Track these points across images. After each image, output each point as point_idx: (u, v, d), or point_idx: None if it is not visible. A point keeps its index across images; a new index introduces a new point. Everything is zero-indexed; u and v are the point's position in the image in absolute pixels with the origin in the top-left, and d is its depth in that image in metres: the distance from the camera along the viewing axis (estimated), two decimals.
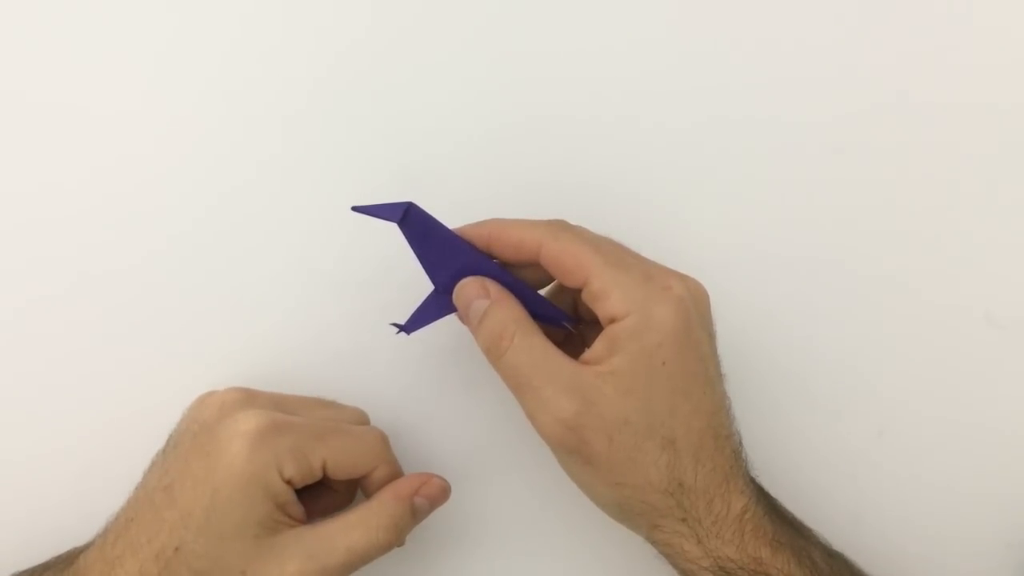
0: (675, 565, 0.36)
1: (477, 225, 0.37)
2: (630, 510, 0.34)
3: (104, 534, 0.35)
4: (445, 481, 0.38)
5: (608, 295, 0.34)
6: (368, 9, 0.46)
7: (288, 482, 0.34)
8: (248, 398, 0.37)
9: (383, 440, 0.38)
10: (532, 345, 0.34)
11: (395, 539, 0.35)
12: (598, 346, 0.34)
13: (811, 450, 0.44)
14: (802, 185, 0.46)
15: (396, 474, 0.38)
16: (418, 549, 0.42)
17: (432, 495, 0.37)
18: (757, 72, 0.46)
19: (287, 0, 0.45)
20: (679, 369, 0.34)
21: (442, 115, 0.45)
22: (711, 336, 0.36)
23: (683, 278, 0.35)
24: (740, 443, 0.36)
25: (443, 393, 0.43)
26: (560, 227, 0.36)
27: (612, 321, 0.34)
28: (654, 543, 0.36)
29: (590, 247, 0.35)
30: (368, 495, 0.37)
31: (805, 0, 0.47)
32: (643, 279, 0.34)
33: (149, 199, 0.43)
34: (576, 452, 0.34)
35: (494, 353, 0.35)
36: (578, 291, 0.36)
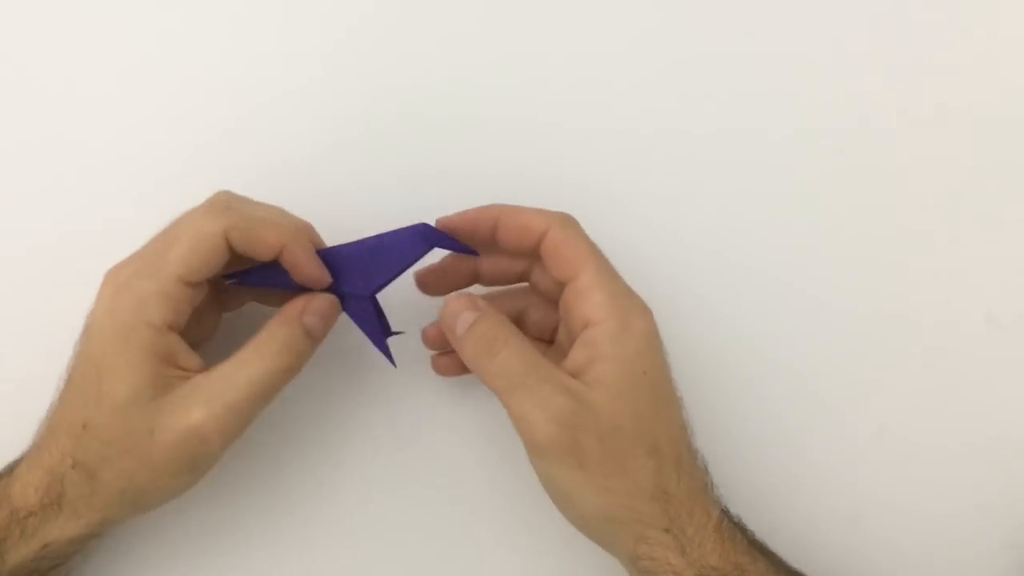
0: None
1: (481, 208, 0.38)
2: (617, 520, 0.34)
3: (37, 429, 0.36)
4: (331, 297, 0.37)
5: (593, 295, 0.35)
6: (362, 12, 0.46)
7: (168, 328, 0.34)
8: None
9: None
10: (525, 349, 0.35)
11: (294, 362, 0.36)
12: (577, 354, 0.35)
13: (811, 450, 0.44)
14: (802, 185, 0.46)
15: (306, 252, 0.37)
16: (418, 548, 0.42)
17: (320, 310, 0.37)
18: (757, 72, 0.47)
19: None
20: (658, 379, 0.35)
21: (425, 117, 0.45)
22: (666, 362, 0.37)
23: (645, 308, 0.37)
24: (705, 461, 0.37)
25: (443, 391, 0.43)
26: (569, 219, 0.37)
27: (588, 325, 0.35)
28: (637, 559, 0.35)
29: (591, 247, 0.36)
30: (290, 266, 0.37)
31: (804, 2, 0.47)
32: (626, 291, 0.36)
33: (146, 196, 0.43)
34: (568, 454, 0.34)
35: (486, 356, 0.35)
36: (558, 289, 0.37)
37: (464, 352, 0.36)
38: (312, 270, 0.37)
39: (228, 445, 0.35)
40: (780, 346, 0.44)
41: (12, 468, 0.36)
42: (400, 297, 0.40)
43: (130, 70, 0.45)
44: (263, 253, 0.36)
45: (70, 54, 0.45)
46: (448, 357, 0.41)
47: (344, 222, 0.41)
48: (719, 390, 0.44)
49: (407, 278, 0.39)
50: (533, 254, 0.37)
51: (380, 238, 0.38)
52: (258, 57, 0.46)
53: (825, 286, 0.45)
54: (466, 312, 0.36)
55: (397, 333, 0.40)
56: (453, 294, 0.37)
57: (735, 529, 0.35)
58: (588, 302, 0.35)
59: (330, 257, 0.38)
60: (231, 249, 0.36)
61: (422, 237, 0.37)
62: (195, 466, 0.35)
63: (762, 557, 0.35)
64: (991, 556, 0.43)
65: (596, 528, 0.36)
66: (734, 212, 0.45)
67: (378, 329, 0.38)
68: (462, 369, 0.40)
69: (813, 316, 0.45)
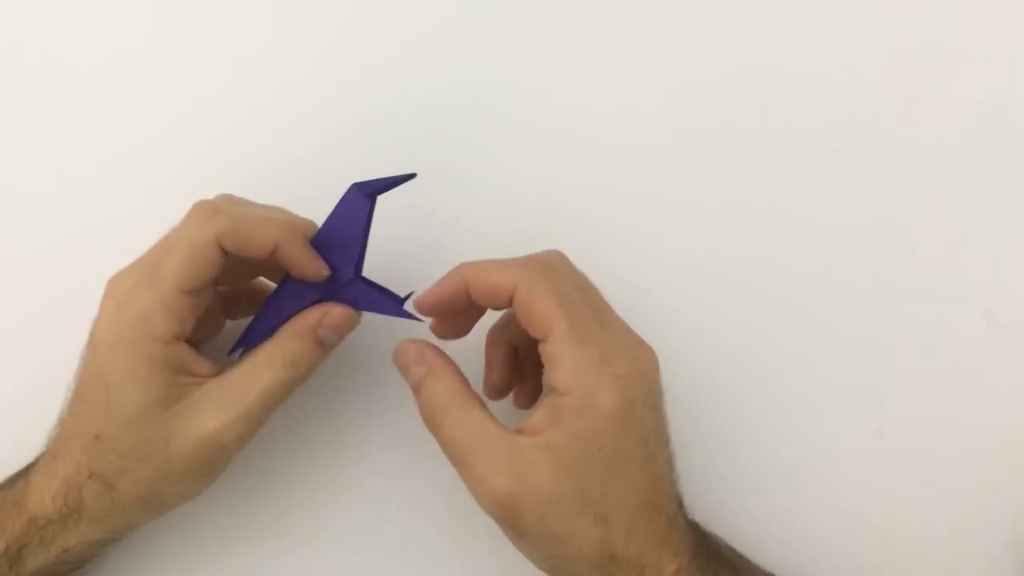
0: None
1: (449, 276, 0.36)
2: (563, 574, 0.35)
3: (47, 440, 0.37)
4: (348, 310, 0.37)
5: (559, 366, 0.33)
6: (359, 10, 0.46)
7: (174, 339, 0.35)
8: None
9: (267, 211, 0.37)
10: (465, 420, 0.34)
11: (305, 372, 0.36)
12: (539, 415, 0.34)
13: (811, 450, 0.44)
14: (802, 184, 0.46)
15: (300, 247, 0.36)
16: (419, 547, 0.42)
17: (336, 324, 0.37)
18: (756, 73, 0.47)
19: None
20: (616, 453, 0.33)
21: (424, 114, 0.46)
22: (655, 407, 0.35)
23: (636, 357, 0.35)
24: (679, 504, 0.36)
25: None
26: (538, 272, 0.35)
27: (555, 391, 0.34)
28: None
29: (560, 307, 0.34)
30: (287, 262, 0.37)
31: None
32: (598, 361, 0.34)
33: (141, 192, 0.43)
34: (510, 527, 0.34)
35: (431, 426, 0.35)
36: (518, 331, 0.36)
37: (420, 415, 0.36)
38: (308, 264, 0.36)
39: (241, 449, 0.36)
40: (780, 346, 0.44)
41: (26, 475, 0.36)
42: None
43: (129, 66, 0.46)
44: (257, 251, 0.36)
45: (70, 51, 0.45)
46: (447, 322, 0.39)
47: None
48: (719, 390, 0.44)
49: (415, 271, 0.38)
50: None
51: (328, 223, 0.37)
52: (258, 53, 0.46)
53: (825, 286, 0.45)
54: (413, 367, 0.36)
55: (409, 296, 0.38)
56: (405, 341, 0.36)
57: (696, 574, 0.34)
58: (556, 371, 0.34)
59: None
60: (225, 253, 0.36)
61: (360, 198, 0.37)
62: (212, 470, 0.36)
63: None
64: (992, 556, 0.43)
65: None
66: (733, 212, 0.45)
67: (387, 303, 0.38)
68: (463, 330, 0.39)
69: (813, 316, 0.45)
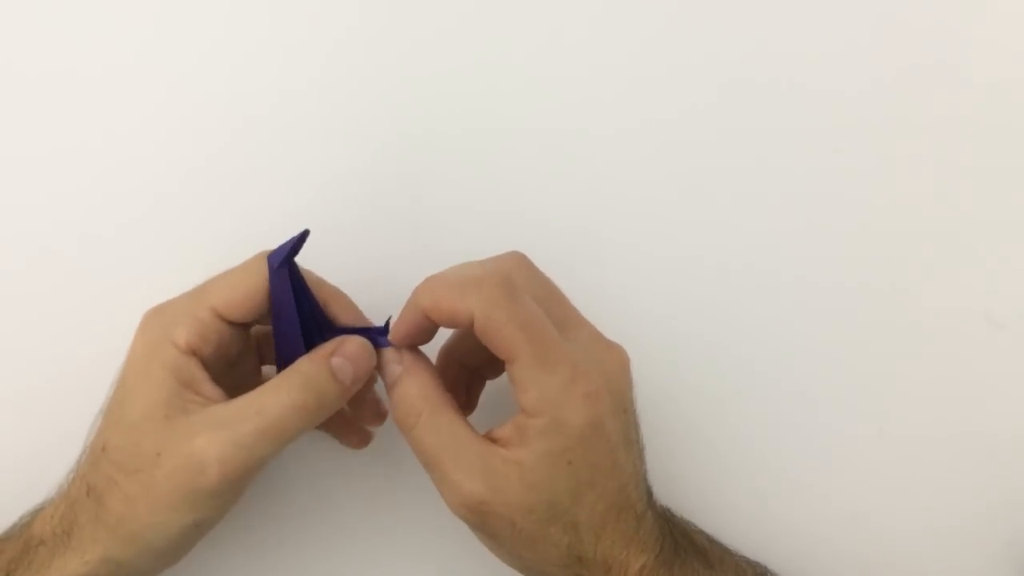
0: None
1: (408, 306, 0.35)
2: (533, 573, 0.35)
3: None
4: (366, 341, 0.36)
5: (526, 390, 0.33)
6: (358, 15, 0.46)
7: (191, 352, 0.34)
8: None
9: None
10: (439, 424, 0.34)
11: (311, 401, 0.33)
12: (509, 429, 0.34)
13: (811, 450, 0.44)
14: (800, 184, 0.46)
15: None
16: (419, 547, 0.42)
17: (351, 353, 0.35)
18: (755, 71, 0.46)
19: None
20: (585, 465, 0.33)
21: (425, 126, 0.45)
22: (625, 411, 0.35)
23: (604, 367, 0.34)
24: (647, 500, 0.36)
25: None
26: (494, 294, 0.33)
27: (522, 411, 0.33)
28: None
29: (522, 332, 0.33)
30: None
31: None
32: (565, 382, 0.33)
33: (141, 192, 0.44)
34: (480, 530, 0.34)
35: (402, 427, 0.35)
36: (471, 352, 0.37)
37: (392, 416, 0.35)
38: (354, 320, 0.37)
39: (229, 482, 0.32)
40: (780, 346, 0.44)
41: (44, 505, 0.36)
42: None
43: (130, 72, 0.46)
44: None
45: (69, 59, 0.45)
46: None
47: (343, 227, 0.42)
48: (719, 390, 0.44)
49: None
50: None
51: (272, 305, 0.35)
52: (262, 63, 0.46)
53: (825, 286, 0.45)
54: (390, 365, 0.35)
55: (388, 322, 0.37)
56: (388, 349, 0.36)
57: (659, 569, 0.35)
58: (523, 395, 0.33)
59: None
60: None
61: (277, 271, 0.34)
62: (192, 502, 0.32)
63: None
64: (991, 555, 0.43)
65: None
66: (733, 211, 0.45)
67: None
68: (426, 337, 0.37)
69: (813, 316, 0.45)
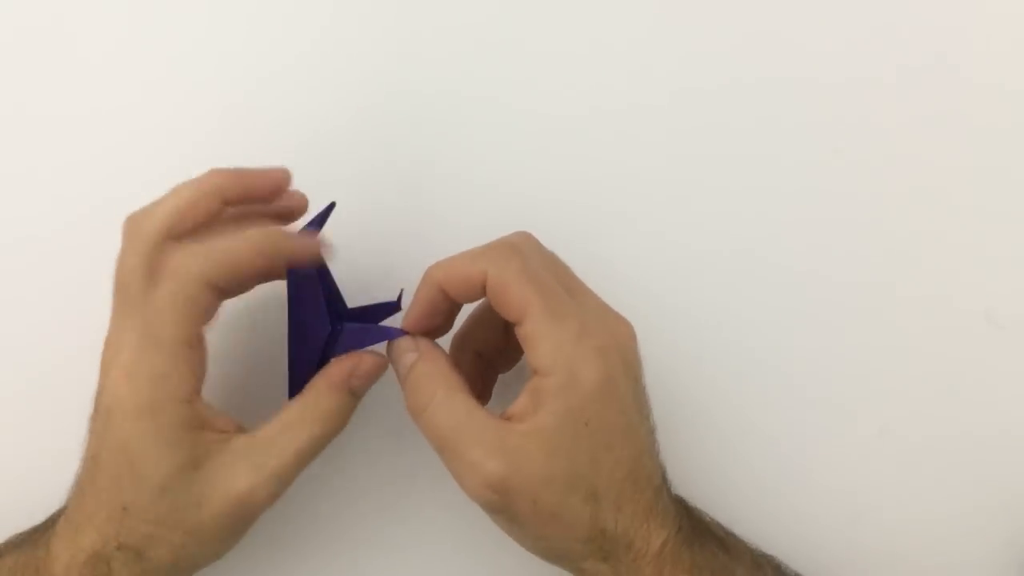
0: None
1: (423, 284, 0.36)
2: (555, 555, 0.35)
3: (64, 506, 0.35)
4: (379, 355, 0.36)
5: (538, 345, 0.33)
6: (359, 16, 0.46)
7: (195, 392, 0.33)
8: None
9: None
10: (454, 403, 0.34)
11: (339, 426, 0.35)
12: (522, 400, 0.34)
13: (811, 450, 0.44)
14: (801, 184, 0.46)
15: (285, 247, 0.35)
16: (421, 547, 0.42)
17: (367, 373, 0.36)
18: (754, 71, 0.46)
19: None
20: (602, 426, 0.33)
21: (425, 110, 0.45)
22: (636, 382, 0.36)
23: (613, 330, 0.35)
24: (663, 476, 0.36)
25: None
26: (505, 256, 0.34)
27: (536, 372, 0.34)
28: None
29: (532, 286, 0.34)
30: None
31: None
32: (575, 336, 0.33)
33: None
34: (501, 512, 0.34)
35: (415, 410, 0.34)
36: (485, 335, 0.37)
37: (405, 402, 0.35)
38: (305, 252, 0.35)
39: (272, 505, 0.34)
40: (778, 346, 0.44)
41: (47, 543, 0.35)
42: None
43: (125, 61, 0.45)
44: (253, 277, 0.35)
45: (61, 44, 0.45)
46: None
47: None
48: (720, 391, 0.44)
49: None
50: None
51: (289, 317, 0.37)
52: (255, 51, 0.46)
53: (825, 286, 0.45)
54: (407, 353, 0.35)
55: (400, 295, 0.38)
56: (403, 336, 0.36)
57: (682, 548, 0.35)
58: (534, 351, 0.33)
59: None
60: (218, 291, 0.34)
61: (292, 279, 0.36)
62: (243, 529, 0.35)
63: (707, 570, 0.35)
64: (991, 555, 0.43)
65: (539, 556, 0.36)
66: (732, 212, 0.45)
67: (381, 331, 0.37)
68: (445, 327, 0.38)
69: (813, 316, 0.45)
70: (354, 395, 0.36)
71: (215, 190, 0.35)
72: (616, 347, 0.34)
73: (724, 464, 0.43)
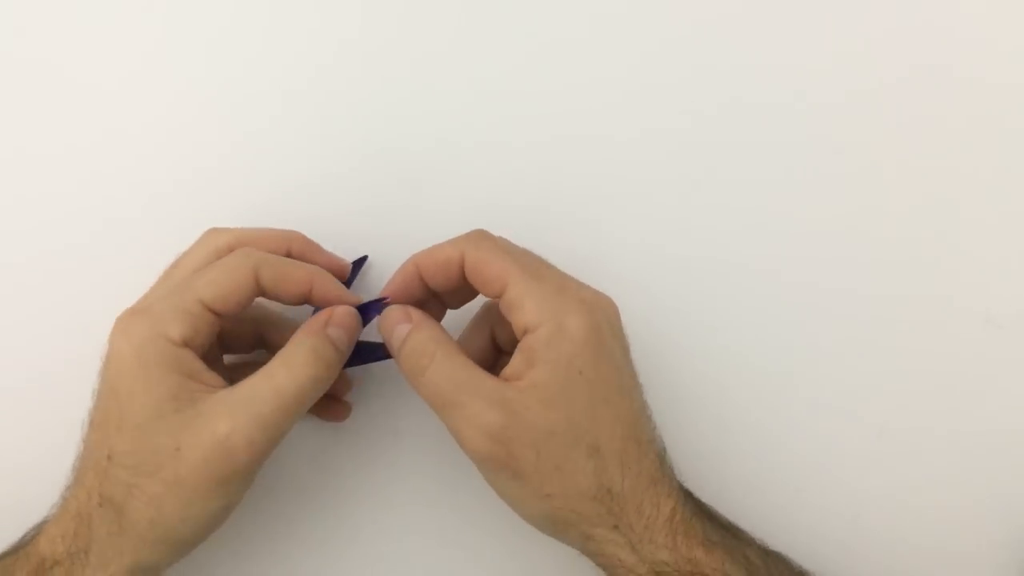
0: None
1: (403, 269, 0.37)
2: (561, 521, 0.35)
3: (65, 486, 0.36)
4: (351, 308, 0.37)
5: (522, 304, 0.34)
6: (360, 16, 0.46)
7: (185, 344, 0.34)
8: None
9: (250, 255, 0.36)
10: (454, 362, 0.34)
11: (322, 372, 0.35)
12: (516, 360, 0.35)
13: (811, 450, 0.44)
14: (801, 185, 0.46)
15: (332, 283, 0.37)
16: (420, 547, 0.42)
17: (344, 322, 0.36)
18: (754, 71, 0.46)
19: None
20: (596, 377, 0.34)
21: (426, 128, 0.45)
22: (624, 348, 0.36)
23: (595, 292, 0.36)
24: (663, 449, 0.37)
25: None
26: (480, 237, 0.36)
27: (526, 332, 0.34)
28: (590, 555, 0.36)
29: (509, 257, 0.35)
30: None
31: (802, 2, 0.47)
32: (556, 290, 0.35)
33: (141, 194, 0.44)
34: (504, 467, 0.34)
35: (415, 372, 0.35)
36: (498, 320, 0.37)
37: (401, 369, 0.36)
38: (343, 299, 0.37)
39: (257, 462, 0.33)
40: (778, 347, 0.44)
41: (40, 527, 0.35)
42: None
43: (136, 76, 0.45)
44: (291, 291, 0.36)
45: (73, 62, 0.45)
46: None
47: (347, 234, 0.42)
48: (719, 391, 0.44)
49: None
50: (466, 283, 0.37)
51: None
52: (256, 51, 0.46)
53: (825, 286, 0.45)
54: (400, 325, 0.36)
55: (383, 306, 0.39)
56: (392, 306, 0.37)
57: (692, 519, 0.35)
58: (520, 312, 0.34)
59: None
60: (260, 288, 0.35)
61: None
62: (224, 487, 0.33)
63: (720, 546, 0.35)
64: (991, 554, 0.43)
65: (544, 528, 0.36)
66: (733, 213, 0.45)
67: (372, 349, 0.39)
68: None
69: (813, 316, 0.45)
70: (335, 346, 0.35)
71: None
72: (599, 307, 0.36)
73: (724, 464, 0.43)
